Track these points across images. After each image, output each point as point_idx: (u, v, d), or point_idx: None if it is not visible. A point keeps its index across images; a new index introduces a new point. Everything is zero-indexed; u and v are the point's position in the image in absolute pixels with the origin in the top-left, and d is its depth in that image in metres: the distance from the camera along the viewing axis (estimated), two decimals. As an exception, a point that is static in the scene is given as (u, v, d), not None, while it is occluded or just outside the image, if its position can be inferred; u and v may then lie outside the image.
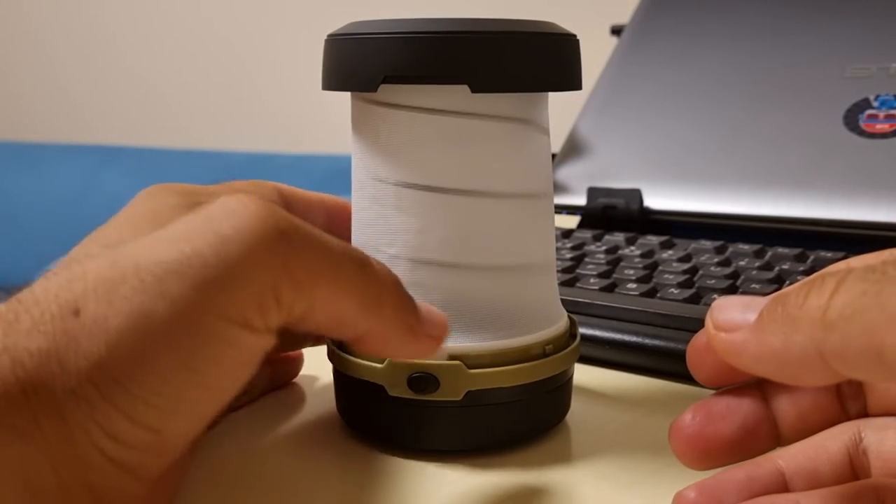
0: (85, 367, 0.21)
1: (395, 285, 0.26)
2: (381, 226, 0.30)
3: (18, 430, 0.20)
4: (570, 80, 0.30)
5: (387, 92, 0.29)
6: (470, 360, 0.29)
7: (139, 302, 0.21)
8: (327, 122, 1.62)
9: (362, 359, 0.30)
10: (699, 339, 0.25)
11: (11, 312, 0.22)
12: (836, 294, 0.19)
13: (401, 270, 0.29)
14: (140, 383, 0.21)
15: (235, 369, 0.23)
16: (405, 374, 0.29)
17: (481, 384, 0.29)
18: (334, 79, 0.30)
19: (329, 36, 0.30)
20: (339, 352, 0.31)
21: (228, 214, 0.22)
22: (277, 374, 0.36)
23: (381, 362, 0.29)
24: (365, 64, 0.29)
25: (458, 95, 0.28)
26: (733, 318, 0.22)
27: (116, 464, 0.22)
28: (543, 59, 0.29)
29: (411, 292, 0.29)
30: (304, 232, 0.23)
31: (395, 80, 0.28)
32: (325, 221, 0.34)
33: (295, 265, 0.23)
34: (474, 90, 0.28)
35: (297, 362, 0.37)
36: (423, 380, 0.29)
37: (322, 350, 0.33)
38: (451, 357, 0.29)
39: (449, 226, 0.29)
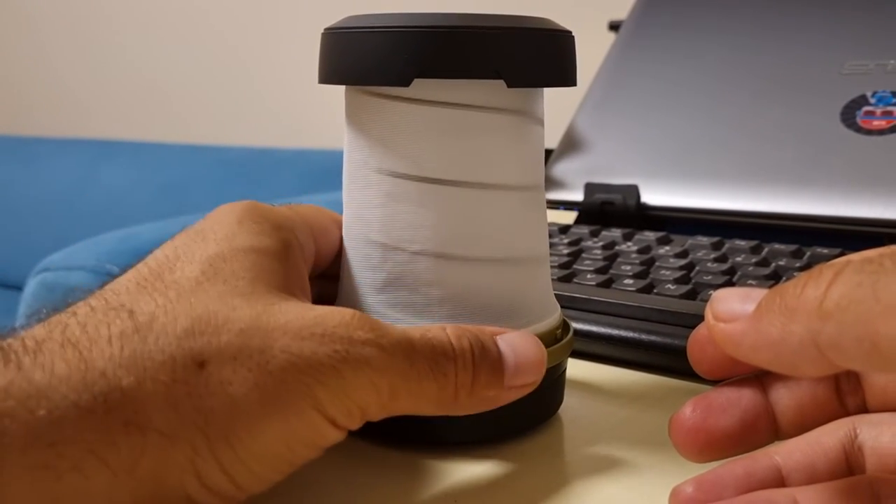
0: (201, 420, 0.22)
1: (470, 384, 0.27)
2: (400, 222, 0.29)
3: (111, 466, 0.21)
4: (572, 75, 0.31)
5: (406, 87, 0.28)
6: None
7: (262, 381, 0.23)
8: (326, 116, 1.62)
9: None
10: (700, 331, 0.25)
11: (128, 347, 0.23)
12: (833, 285, 0.19)
13: (424, 267, 0.29)
14: (247, 448, 0.23)
15: (314, 453, 0.25)
16: None
17: None
18: (353, 73, 0.29)
19: (338, 29, 0.29)
20: None
21: (352, 328, 0.25)
22: None
23: None
24: (395, 59, 0.28)
25: (482, 89, 0.29)
26: (732, 308, 0.22)
27: None
28: (567, 55, 0.30)
29: (434, 288, 0.29)
30: (400, 352, 0.25)
31: (430, 74, 0.28)
32: None
33: (387, 388, 0.25)
34: (510, 85, 0.28)
35: None
36: None
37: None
38: None
39: (474, 220, 0.29)
